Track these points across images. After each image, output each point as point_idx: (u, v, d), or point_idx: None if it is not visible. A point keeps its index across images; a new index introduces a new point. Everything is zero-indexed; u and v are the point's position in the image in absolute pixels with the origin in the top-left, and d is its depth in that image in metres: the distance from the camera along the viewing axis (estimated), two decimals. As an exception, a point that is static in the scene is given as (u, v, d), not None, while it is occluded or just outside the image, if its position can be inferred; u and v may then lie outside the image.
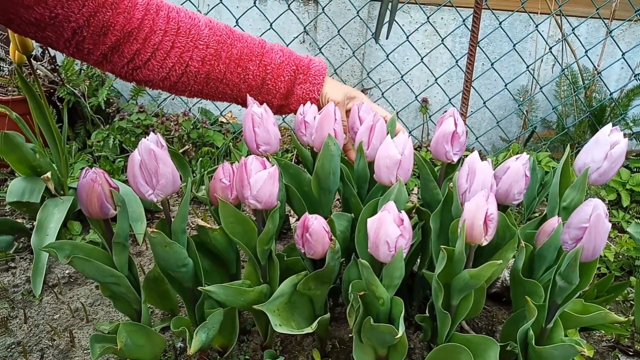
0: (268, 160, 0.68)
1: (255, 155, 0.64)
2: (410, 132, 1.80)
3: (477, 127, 1.94)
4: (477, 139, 1.76)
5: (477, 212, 0.57)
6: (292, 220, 1.22)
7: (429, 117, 1.87)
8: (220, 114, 1.67)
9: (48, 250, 0.61)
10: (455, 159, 0.74)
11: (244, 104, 0.79)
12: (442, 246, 0.62)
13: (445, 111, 0.74)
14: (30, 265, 0.99)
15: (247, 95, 0.73)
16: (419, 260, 0.85)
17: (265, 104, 0.69)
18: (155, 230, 0.58)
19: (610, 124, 0.69)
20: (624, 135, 0.65)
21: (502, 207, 0.73)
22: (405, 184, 1.49)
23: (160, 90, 0.75)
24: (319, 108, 0.78)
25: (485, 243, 0.59)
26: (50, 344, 0.83)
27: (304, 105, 0.75)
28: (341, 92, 0.79)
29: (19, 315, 0.89)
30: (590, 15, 1.60)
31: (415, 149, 1.81)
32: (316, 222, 0.63)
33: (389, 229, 0.56)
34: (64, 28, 0.62)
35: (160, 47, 0.67)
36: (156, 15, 0.67)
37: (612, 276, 0.84)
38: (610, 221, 0.54)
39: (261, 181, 0.62)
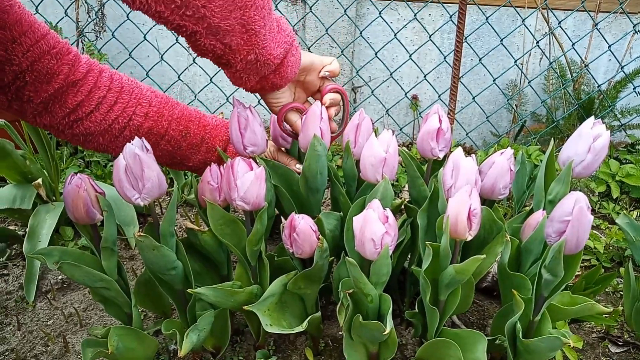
0: (255, 161, 0.68)
1: (242, 157, 0.65)
2: (401, 129, 1.81)
3: (468, 123, 1.95)
4: (467, 134, 1.77)
5: (461, 208, 0.58)
6: (284, 220, 1.22)
7: (420, 113, 1.88)
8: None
9: (37, 257, 0.61)
10: (441, 155, 0.74)
11: (181, 165, 0.80)
12: (427, 242, 0.62)
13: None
14: (23, 272, 0.99)
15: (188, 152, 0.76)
16: (409, 257, 0.86)
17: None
18: (142, 234, 0.59)
19: (593, 117, 0.70)
20: (613, 127, 0.66)
21: (489, 202, 0.74)
22: (397, 181, 1.49)
23: (95, 150, 0.73)
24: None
25: (469, 238, 0.60)
26: (44, 349, 0.84)
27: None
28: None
29: (12, 322, 0.89)
30: (576, 9, 1.62)
31: (406, 146, 1.82)
32: (303, 222, 0.64)
33: (374, 227, 0.57)
34: (5, 72, 0.60)
35: (104, 101, 0.67)
36: (99, 74, 0.68)
37: (600, 268, 0.85)
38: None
39: (248, 182, 0.63)
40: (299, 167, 0.81)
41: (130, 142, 0.69)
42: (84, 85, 0.66)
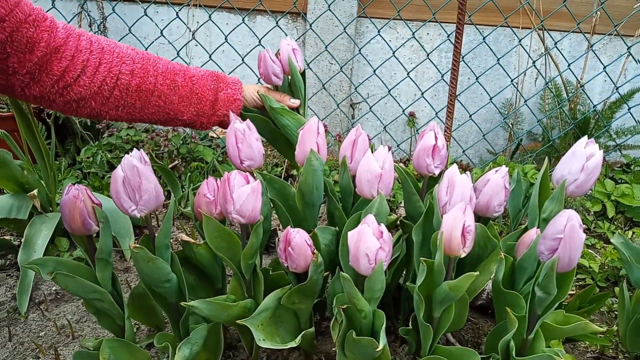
0: (252, 175, 0.69)
1: (239, 170, 0.65)
2: (398, 145, 1.82)
3: (465, 140, 1.96)
4: (464, 151, 1.78)
5: (455, 225, 0.58)
6: (280, 234, 1.22)
7: (417, 130, 1.89)
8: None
9: (31, 267, 0.61)
10: (437, 172, 0.75)
11: (176, 121, 0.81)
12: (421, 258, 0.62)
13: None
14: (17, 282, 0.99)
15: (179, 107, 0.78)
16: (404, 273, 0.86)
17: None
18: (137, 245, 0.59)
19: (586, 136, 0.70)
20: (608, 147, 0.66)
21: (484, 219, 0.74)
22: (394, 197, 1.49)
23: (89, 116, 0.74)
24: (241, 108, 0.83)
25: (463, 255, 0.60)
26: (34, 362, 0.83)
27: (230, 109, 0.80)
28: (256, 85, 0.87)
29: (2, 333, 0.89)
30: (572, 30, 1.64)
31: (403, 162, 1.83)
32: (298, 236, 0.64)
33: (368, 242, 0.57)
34: None
35: (89, 63, 0.68)
36: (78, 38, 0.69)
37: (594, 287, 0.85)
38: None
39: (244, 196, 0.63)
40: (293, 102, 0.84)
41: (121, 102, 0.72)
42: (66, 50, 0.67)
